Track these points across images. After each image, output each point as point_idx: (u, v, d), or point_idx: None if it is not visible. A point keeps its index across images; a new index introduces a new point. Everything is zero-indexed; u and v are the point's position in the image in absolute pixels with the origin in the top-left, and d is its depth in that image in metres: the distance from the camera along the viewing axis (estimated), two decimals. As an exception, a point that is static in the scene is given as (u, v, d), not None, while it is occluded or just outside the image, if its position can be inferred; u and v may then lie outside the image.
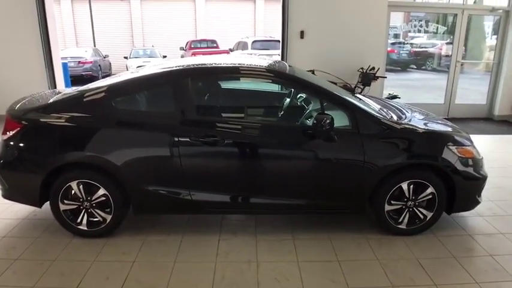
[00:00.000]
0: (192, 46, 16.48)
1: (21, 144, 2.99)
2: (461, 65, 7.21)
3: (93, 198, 3.03)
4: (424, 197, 3.14)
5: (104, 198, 3.02)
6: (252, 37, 16.47)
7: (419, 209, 3.18)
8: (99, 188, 2.99)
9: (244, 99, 3.79)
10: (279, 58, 7.33)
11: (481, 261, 2.93)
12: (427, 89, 10.69)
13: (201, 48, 16.27)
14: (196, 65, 3.26)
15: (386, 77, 6.96)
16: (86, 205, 3.06)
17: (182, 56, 17.68)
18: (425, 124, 3.36)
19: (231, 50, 16.59)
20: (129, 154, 2.93)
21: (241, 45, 16.35)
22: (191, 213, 3.39)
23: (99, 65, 14.59)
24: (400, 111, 3.62)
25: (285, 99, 3.89)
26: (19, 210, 3.60)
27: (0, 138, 3.12)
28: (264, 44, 15.54)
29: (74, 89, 3.36)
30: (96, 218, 3.09)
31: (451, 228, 3.41)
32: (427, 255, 2.99)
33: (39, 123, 2.98)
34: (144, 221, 3.39)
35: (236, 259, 2.90)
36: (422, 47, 13.36)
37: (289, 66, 3.60)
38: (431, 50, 13.42)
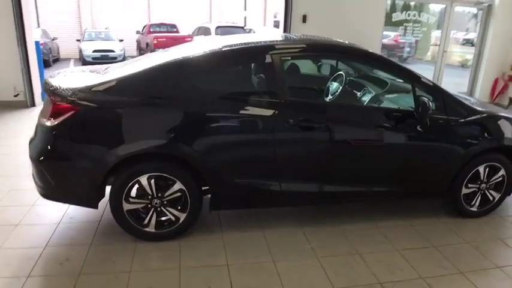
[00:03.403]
0: (151, 30, 15.31)
1: (78, 132, 2.40)
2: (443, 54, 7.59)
3: (166, 195, 2.57)
4: (495, 179, 3.17)
5: (179, 194, 2.58)
6: (215, 23, 15.83)
7: (489, 191, 3.22)
8: (175, 182, 2.54)
9: (331, 82, 3.49)
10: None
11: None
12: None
13: (161, 32, 15.19)
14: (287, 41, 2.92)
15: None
16: (156, 203, 2.58)
17: (138, 41, 16.44)
18: (490, 109, 3.39)
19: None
20: (214, 142, 2.52)
21: (203, 31, 15.64)
22: (276, 206, 3.07)
23: (50, 48, 12.92)
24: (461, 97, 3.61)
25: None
26: (45, 214, 2.99)
27: (41, 125, 2.50)
28: (229, 30, 15.02)
29: (136, 66, 2.76)
30: (166, 217, 2.64)
31: (506, 210, 3.49)
32: (508, 235, 3.04)
33: (103, 105, 2.42)
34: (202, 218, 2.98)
35: (335, 252, 2.67)
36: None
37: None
38: (384, 41, 14.02)
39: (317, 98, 3.38)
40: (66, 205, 3.07)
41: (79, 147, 2.43)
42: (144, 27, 16.03)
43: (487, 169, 3.12)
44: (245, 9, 21.85)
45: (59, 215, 2.97)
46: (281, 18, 6.86)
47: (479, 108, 3.15)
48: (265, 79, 2.64)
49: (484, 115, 3.10)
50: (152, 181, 2.52)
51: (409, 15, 6.98)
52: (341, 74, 3.55)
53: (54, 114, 2.39)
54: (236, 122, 2.56)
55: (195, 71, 2.61)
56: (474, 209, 3.23)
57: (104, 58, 13.02)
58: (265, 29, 20.05)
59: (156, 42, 13.95)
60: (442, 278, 2.47)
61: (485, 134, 3.05)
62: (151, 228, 2.63)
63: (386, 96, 3.34)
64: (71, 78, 2.76)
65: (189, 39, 15.12)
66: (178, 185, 2.55)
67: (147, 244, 2.64)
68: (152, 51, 14.31)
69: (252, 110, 2.56)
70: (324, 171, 2.78)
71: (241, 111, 2.55)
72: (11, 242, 2.62)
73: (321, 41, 3.05)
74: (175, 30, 16.03)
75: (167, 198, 2.58)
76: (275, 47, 2.69)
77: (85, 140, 2.42)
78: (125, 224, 2.60)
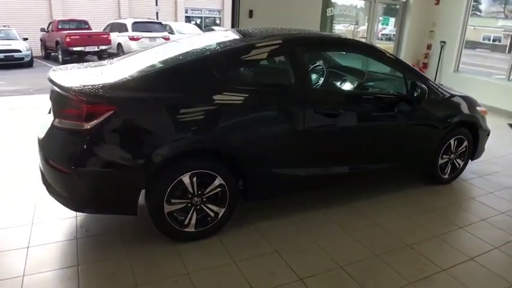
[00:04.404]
0: (60, 27, 13.79)
1: (117, 134, 2.22)
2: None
3: (207, 192, 2.53)
4: (461, 149, 3.79)
5: (219, 189, 2.56)
6: (131, 18, 14.96)
7: (456, 160, 3.83)
8: (215, 177, 2.52)
9: (345, 71, 3.70)
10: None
11: None
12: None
13: (71, 29, 13.77)
14: (306, 33, 3.09)
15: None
16: (196, 201, 2.53)
17: (42, 39, 14.65)
18: (453, 91, 3.99)
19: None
20: (252, 134, 2.57)
21: (117, 27, 14.66)
22: (301, 190, 3.23)
23: None
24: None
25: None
26: (52, 230, 2.69)
27: (65, 129, 2.25)
28: (146, 26, 14.41)
29: (158, 58, 2.63)
30: (203, 214, 2.59)
31: (467, 175, 4.16)
32: (477, 195, 3.68)
33: (143, 103, 2.28)
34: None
35: (360, 226, 2.94)
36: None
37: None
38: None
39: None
40: (74, 218, 2.81)
41: (119, 151, 2.25)
42: (50, 24, 14.40)
43: (456, 141, 3.71)
44: (156, 4, 21.07)
45: (71, 230, 2.69)
46: (228, 14, 6.96)
47: (447, 90, 3.71)
48: (292, 70, 2.75)
49: (452, 95, 3.68)
50: (194, 179, 2.46)
51: (340, 10, 7.65)
52: (320, 65, 3.83)
53: (88, 116, 2.17)
54: (271, 113, 2.65)
55: (231, 64, 2.62)
56: (446, 176, 3.81)
57: (8, 59, 11.44)
58: (179, 24, 19.57)
59: (69, 40, 12.67)
60: (449, 234, 2.93)
61: (455, 111, 3.62)
62: (191, 228, 2.56)
63: (369, 83, 3.75)
64: (84, 74, 2.52)
65: (105, 36, 14.11)
66: (218, 181, 2.53)
67: (188, 244, 2.57)
68: (65, 50, 13.03)
69: (284, 101, 2.68)
70: (343, 153, 3.04)
71: (275, 102, 2.65)
72: (32, 266, 2.30)
73: (330, 34, 3.30)
74: (86, 26, 14.75)
75: (207, 195, 2.55)
76: (299, 39, 2.83)
77: (126, 142, 2.25)
78: (165, 227, 2.49)
